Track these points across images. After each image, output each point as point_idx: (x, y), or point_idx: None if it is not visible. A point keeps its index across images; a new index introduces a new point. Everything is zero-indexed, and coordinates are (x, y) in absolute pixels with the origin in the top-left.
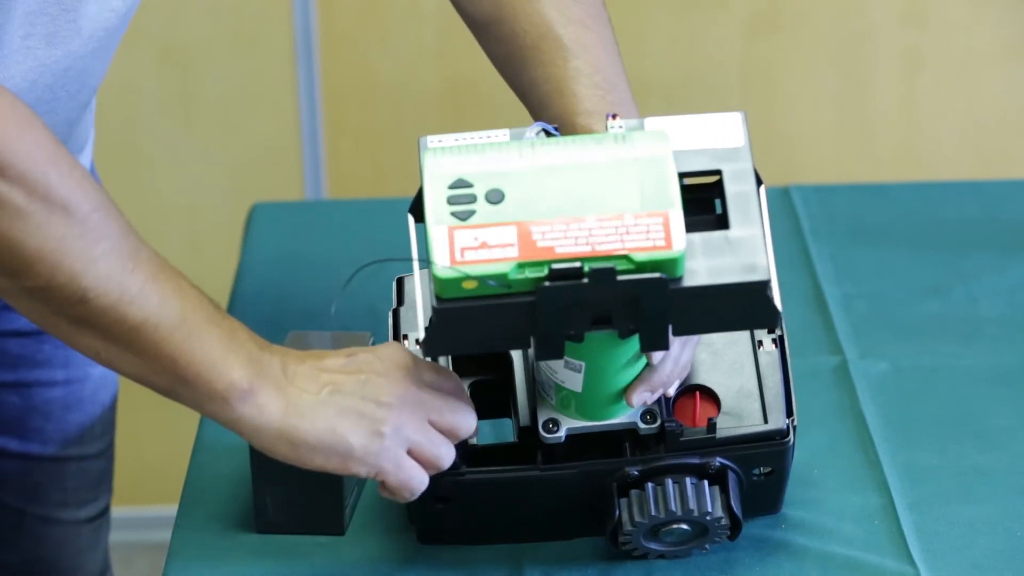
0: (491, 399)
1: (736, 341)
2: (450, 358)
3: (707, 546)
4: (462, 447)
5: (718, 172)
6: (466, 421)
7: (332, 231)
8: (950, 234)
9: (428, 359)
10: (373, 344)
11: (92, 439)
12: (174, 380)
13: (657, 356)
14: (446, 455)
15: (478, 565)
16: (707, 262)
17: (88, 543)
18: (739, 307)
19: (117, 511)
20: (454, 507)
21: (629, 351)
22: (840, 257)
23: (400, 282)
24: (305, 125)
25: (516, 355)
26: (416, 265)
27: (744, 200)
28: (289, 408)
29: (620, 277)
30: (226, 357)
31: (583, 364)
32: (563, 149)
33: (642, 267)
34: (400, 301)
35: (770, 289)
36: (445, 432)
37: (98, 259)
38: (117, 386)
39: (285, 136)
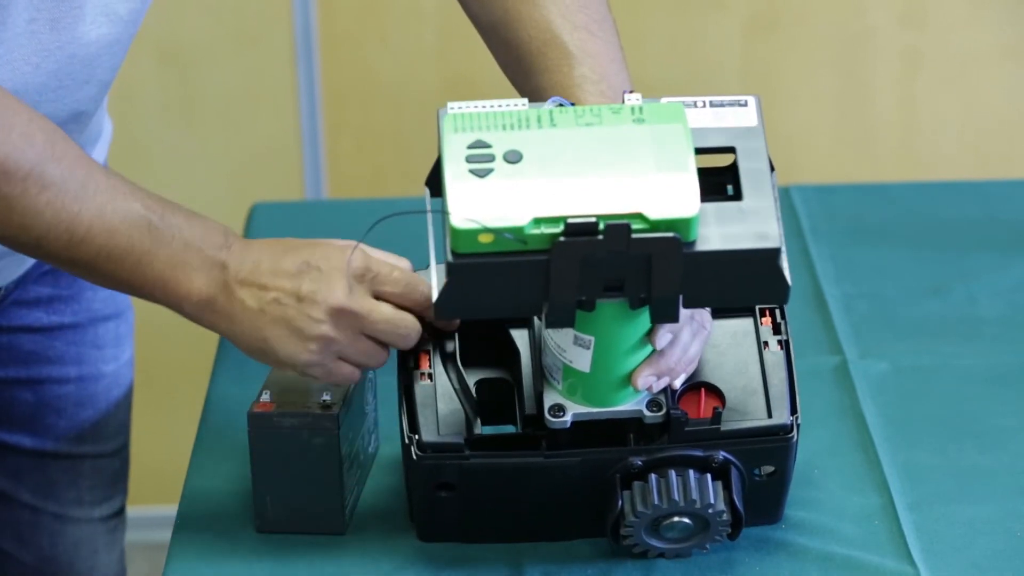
0: (496, 398)
1: (741, 343)
2: (457, 354)
3: (707, 545)
4: (468, 435)
5: (732, 149)
6: (402, 339)
7: (332, 231)
8: (950, 234)
9: (383, 258)
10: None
11: (106, 437)
12: (135, 294)
13: (663, 341)
14: (375, 361)
15: (478, 565)
16: (720, 229)
17: (104, 543)
18: (750, 276)
19: None
20: (456, 496)
21: (639, 328)
22: (840, 257)
23: None
24: (305, 125)
25: (523, 345)
26: (431, 237)
27: (757, 176)
28: (232, 316)
29: (635, 235)
30: (175, 276)
31: (592, 339)
32: (580, 116)
33: (656, 226)
34: None
35: (781, 259)
36: (380, 343)
37: (43, 210)
38: (131, 384)
39: (285, 136)
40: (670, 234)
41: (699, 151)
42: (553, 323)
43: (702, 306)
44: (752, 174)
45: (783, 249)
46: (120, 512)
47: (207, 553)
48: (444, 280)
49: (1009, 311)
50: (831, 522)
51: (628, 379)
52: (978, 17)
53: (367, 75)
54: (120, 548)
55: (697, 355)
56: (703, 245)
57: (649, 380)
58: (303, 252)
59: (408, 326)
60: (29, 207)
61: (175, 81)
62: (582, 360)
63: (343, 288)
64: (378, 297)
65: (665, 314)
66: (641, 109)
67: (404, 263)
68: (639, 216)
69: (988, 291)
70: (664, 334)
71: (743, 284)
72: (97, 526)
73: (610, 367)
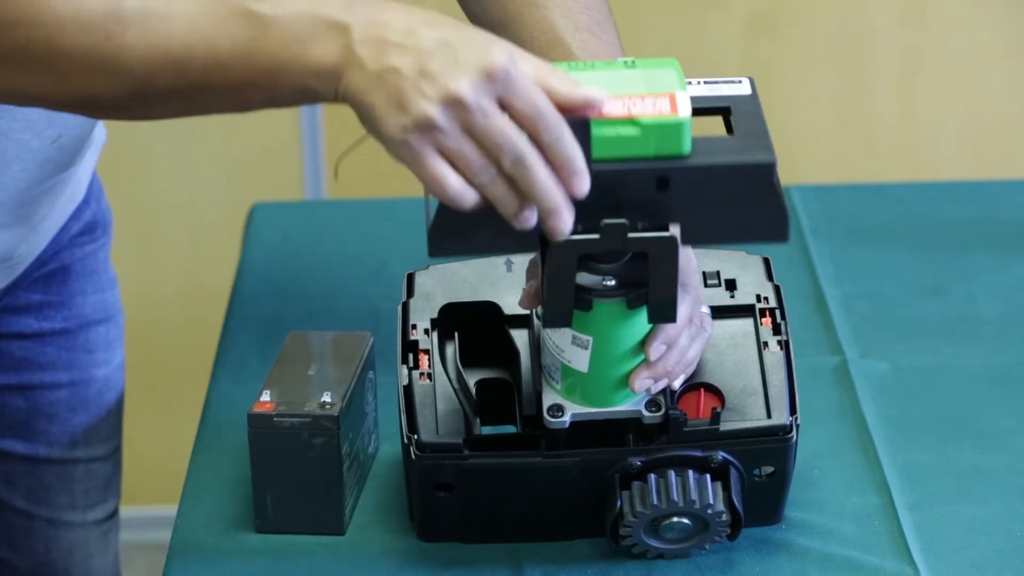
0: (496, 399)
1: (741, 343)
2: (457, 354)
3: (707, 546)
4: (467, 435)
5: (727, 109)
6: (511, 158)
7: (332, 231)
8: (950, 234)
9: (532, 68)
10: (372, 343)
11: (99, 441)
12: (264, 98)
13: (656, 352)
14: (475, 171)
15: (478, 565)
16: (713, 152)
17: (98, 547)
18: (745, 198)
19: None
20: (455, 496)
21: (637, 329)
22: (840, 257)
23: (411, 277)
24: (305, 125)
25: (522, 345)
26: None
27: (752, 118)
28: (348, 79)
29: (631, 235)
30: (291, 55)
31: (591, 340)
32: (573, 66)
33: (648, 132)
34: (410, 294)
35: (777, 178)
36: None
37: (134, 46)
38: (123, 388)
39: (285, 136)
40: (667, 233)
41: (695, 112)
42: (550, 322)
43: (699, 242)
44: (746, 117)
45: (776, 166)
46: (113, 515)
47: (207, 553)
48: (434, 214)
49: (1009, 311)
50: (831, 522)
51: (627, 380)
52: (978, 17)
53: None
54: (114, 551)
55: (696, 357)
56: (695, 160)
57: (646, 383)
58: (444, 29)
59: (521, 148)
60: (119, 49)
61: None
62: (580, 360)
63: (469, 79)
64: (503, 107)
65: (663, 314)
66: (634, 62)
67: (559, 78)
68: (631, 122)
69: (988, 291)
70: (658, 345)
71: (738, 209)
72: (91, 530)
73: (608, 368)
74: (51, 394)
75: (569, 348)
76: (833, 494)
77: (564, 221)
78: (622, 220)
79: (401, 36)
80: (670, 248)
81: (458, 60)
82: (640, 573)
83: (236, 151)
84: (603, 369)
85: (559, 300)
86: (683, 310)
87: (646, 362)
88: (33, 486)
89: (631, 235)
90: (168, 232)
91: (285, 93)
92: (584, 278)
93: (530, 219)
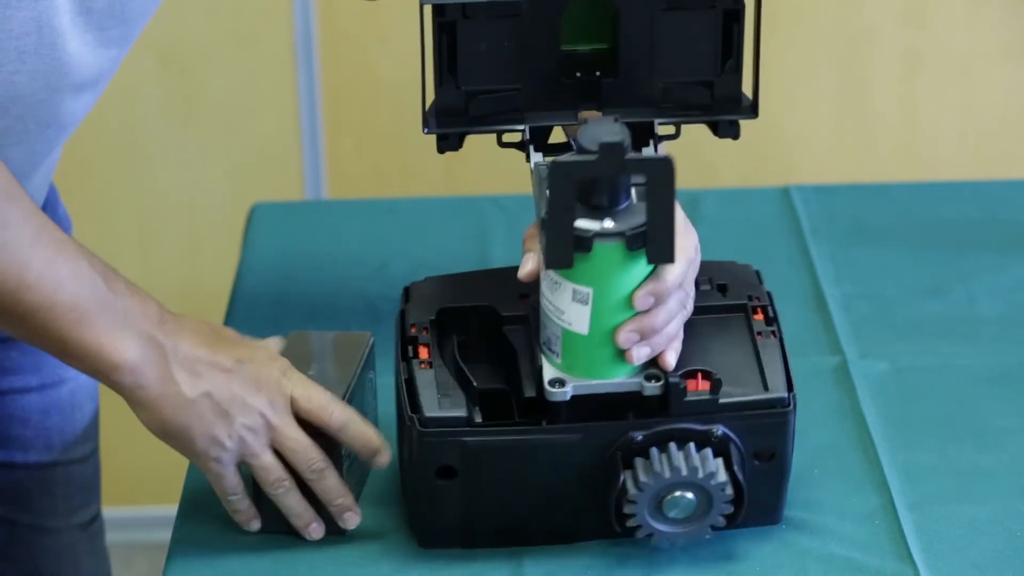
0: (495, 408)
1: (734, 333)
2: (456, 351)
3: (711, 528)
4: (466, 422)
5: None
6: (304, 463)
7: (332, 231)
8: (950, 234)
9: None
10: (373, 343)
11: (76, 444)
12: (63, 355)
13: (644, 303)
14: (269, 480)
15: (479, 566)
16: None
17: (86, 549)
18: None
19: (116, 512)
20: (458, 485)
21: (636, 277)
22: (840, 257)
23: (407, 290)
24: (305, 125)
25: (520, 348)
26: None
27: None
28: (162, 396)
29: (628, 157)
30: (112, 342)
31: (591, 292)
32: None
33: None
34: (407, 302)
35: None
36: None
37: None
38: (96, 391)
39: (285, 136)
40: (664, 155)
41: None
42: (552, 263)
43: None
44: None
45: None
46: (97, 517)
47: (207, 553)
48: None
49: (1009, 311)
50: (831, 522)
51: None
52: (978, 17)
53: (367, 75)
54: (103, 552)
55: (678, 331)
56: None
57: (632, 336)
58: (238, 349)
59: (314, 455)
60: None
61: (175, 82)
62: (581, 320)
63: (268, 399)
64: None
65: (662, 253)
66: None
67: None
68: None
69: (988, 291)
70: (645, 295)
71: None
72: (76, 533)
73: (608, 327)
74: (22, 398)
75: (569, 307)
76: (833, 494)
77: (354, 515)
78: (619, 139)
79: (207, 361)
80: (666, 170)
81: (257, 378)
82: (641, 573)
83: (236, 151)
84: (604, 330)
85: (560, 235)
86: (679, 267)
87: (633, 317)
88: (12, 493)
89: (628, 156)
90: (168, 232)
91: (80, 367)
92: (584, 222)
93: (318, 531)
